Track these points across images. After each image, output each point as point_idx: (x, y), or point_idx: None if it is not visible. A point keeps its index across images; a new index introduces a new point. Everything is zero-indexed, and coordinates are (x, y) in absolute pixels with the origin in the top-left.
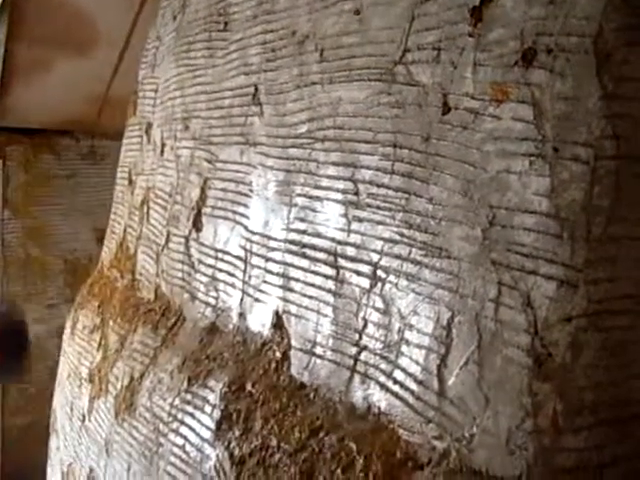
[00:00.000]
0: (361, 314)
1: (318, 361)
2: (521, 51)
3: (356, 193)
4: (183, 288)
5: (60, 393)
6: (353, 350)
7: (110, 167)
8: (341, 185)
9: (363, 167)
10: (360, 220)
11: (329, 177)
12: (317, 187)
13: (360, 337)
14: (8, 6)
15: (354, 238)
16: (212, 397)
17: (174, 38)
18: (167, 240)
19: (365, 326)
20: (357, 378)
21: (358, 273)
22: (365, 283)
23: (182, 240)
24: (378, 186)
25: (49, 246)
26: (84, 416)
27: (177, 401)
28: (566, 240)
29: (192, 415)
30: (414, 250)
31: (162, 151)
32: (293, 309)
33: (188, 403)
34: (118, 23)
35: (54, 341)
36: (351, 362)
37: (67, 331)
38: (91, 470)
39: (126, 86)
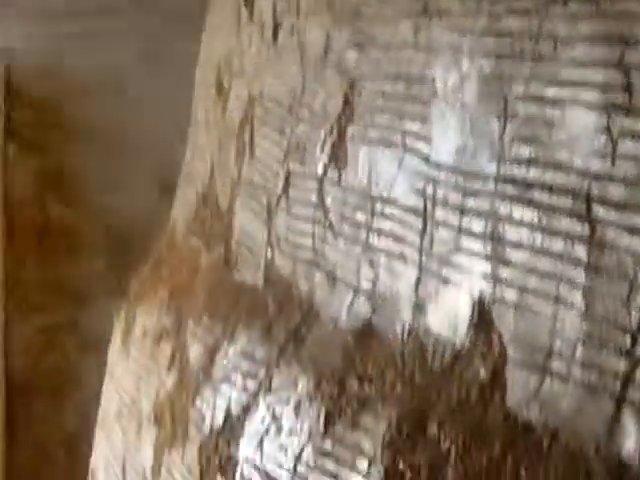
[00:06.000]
0: (637, 301)
1: (557, 384)
2: None
3: (627, 88)
4: (314, 264)
5: (104, 443)
6: (621, 365)
7: (179, 66)
8: (599, 76)
9: None
10: (634, 136)
11: (575, 63)
12: (553, 82)
13: (634, 342)
14: None
15: (623, 169)
16: (368, 445)
17: None
18: (286, 185)
19: None
20: (629, 413)
21: (631, 230)
22: None
23: (312, 184)
24: None
25: (79, 203)
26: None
27: (307, 452)
28: None
29: (334, 476)
30: None
31: (275, 34)
32: (510, 295)
33: (327, 455)
34: None
35: (89, 359)
36: (617, 386)
37: (116, 342)
38: None
39: None
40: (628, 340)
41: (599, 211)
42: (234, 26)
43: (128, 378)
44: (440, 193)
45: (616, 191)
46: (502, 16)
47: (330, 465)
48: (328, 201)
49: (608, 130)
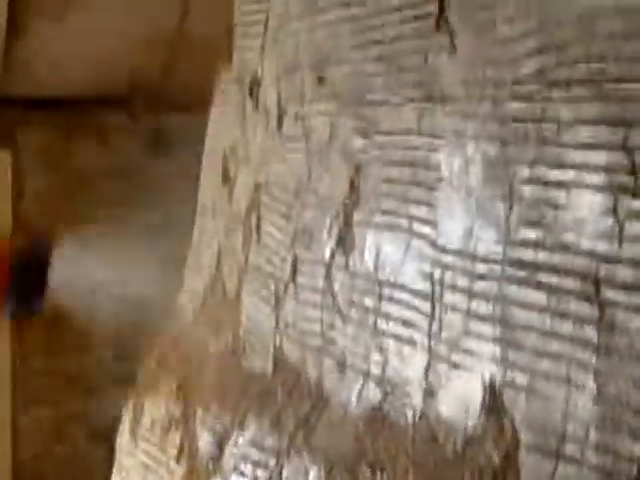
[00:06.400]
0: None
1: (571, 469)
2: None
3: (632, 171)
4: (323, 350)
5: None
6: (636, 448)
7: (187, 157)
8: (604, 158)
9: None
10: None
11: (580, 146)
12: (558, 165)
13: None
14: None
15: (631, 250)
16: None
17: None
18: (293, 271)
19: None
20: None
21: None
22: None
23: (320, 269)
24: None
25: (87, 297)
26: None
27: None
28: None
29: None
30: None
31: (280, 123)
32: (520, 379)
33: None
34: None
35: (98, 449)
36: (632, 470)
37: (124, 432)
38: None
39: (208, 23)
40: None
41: (608, 293)
42: (239, 116)
43: (137, 470)
44: (448, 277)
45: (624, 273)
46: (505, 101)
47: None
48: (336, 286)
49: (614, 212)
